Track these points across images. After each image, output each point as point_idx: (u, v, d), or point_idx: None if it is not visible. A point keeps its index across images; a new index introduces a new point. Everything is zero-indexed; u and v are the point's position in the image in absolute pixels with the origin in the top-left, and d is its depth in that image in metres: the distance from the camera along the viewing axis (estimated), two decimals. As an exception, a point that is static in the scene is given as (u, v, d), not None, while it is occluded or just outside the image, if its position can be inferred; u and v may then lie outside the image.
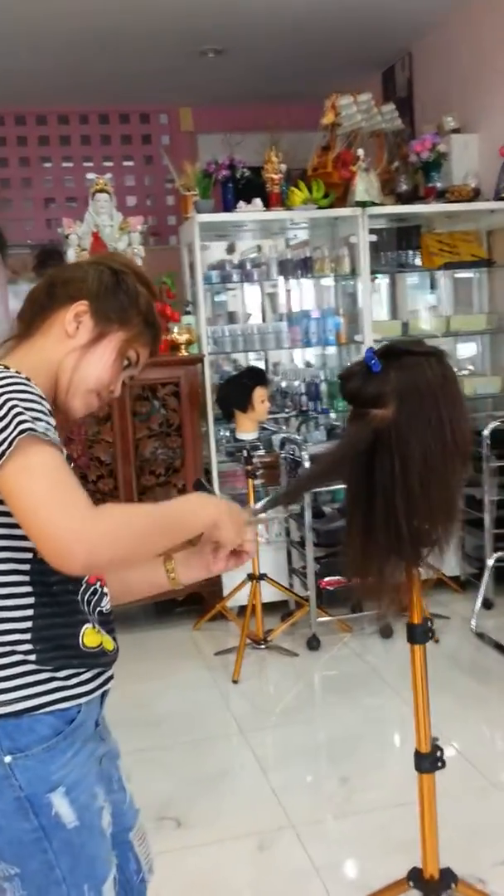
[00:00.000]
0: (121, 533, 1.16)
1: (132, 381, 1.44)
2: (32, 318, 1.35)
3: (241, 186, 4.30)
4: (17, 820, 1.21)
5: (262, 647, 3.93)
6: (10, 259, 6.00)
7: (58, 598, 1.25)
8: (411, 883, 1.67)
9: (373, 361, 1.48)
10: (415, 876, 1.68)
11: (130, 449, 4.10)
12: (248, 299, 5.27)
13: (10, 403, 1.14)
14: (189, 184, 4.16)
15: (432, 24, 4.89)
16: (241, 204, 4.07)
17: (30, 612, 1.22)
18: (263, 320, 5.02)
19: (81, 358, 1.32)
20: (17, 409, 1.13)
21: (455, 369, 1.60)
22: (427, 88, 5.28)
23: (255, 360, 4.82)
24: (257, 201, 4.04)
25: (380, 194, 4.22)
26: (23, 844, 1.22)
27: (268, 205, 4.09)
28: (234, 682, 3.58)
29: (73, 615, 1.27)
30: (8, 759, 1.20)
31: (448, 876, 1.67)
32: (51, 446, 1.15)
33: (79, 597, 1.29)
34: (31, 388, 1.19)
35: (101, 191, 4.10)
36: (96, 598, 1.33)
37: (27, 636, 1.22)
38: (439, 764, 1.64)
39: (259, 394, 3.65)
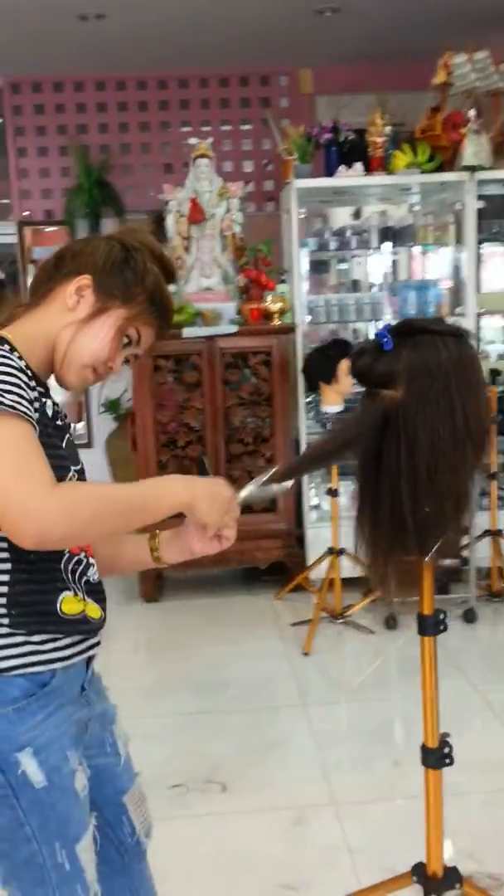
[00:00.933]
0: (74, 513, 1.16)
1: (136, 359, 1.43)
2: (39, 288, 1.36)
3: (346, 150, 4.18)
4: None
5: (340, 621, 3.91)
6: (127, 224, 6.14)
7: (35, 565, 1.26)
8: (415, 878, 1.63)
9: (385, 339, 1.41)
10: (419, 871, 1.63)
11: (220, 417, 4.13)
12: (355, 267, 5.14)
13: None
14: (291, 148, 4.08)
15: None
16: (342, 168, 3.96)
17: (6, 577, 1.25)
18: (359, 289, 4.86)
19: (78, 331, 1.32)
20: None
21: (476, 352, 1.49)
22: None
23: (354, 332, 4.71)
24: (358, 166, 3.92)
25: (491, 158, 4.00)
26: None
27: (369, 169, 3.96)
28: (305, 654, 3.58)
29: (51, 583, 1.29)
30: None
31: (452, 875, 1.61)
32: (17, 420, 1.16)
33: (61, 565, 1.31)
34: (8, 359, 1.21)
35: (202, 156, 4.10)
36: (81, 567, 1.34)
37: (2, 601, 1.25)
38: (447, 760, 1.58)
39: (345, 366, 3.57)
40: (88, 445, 6.36)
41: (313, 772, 2.70)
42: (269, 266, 4.14)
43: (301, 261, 4.11)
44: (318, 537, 4.18)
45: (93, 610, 1.36)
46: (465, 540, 3.55)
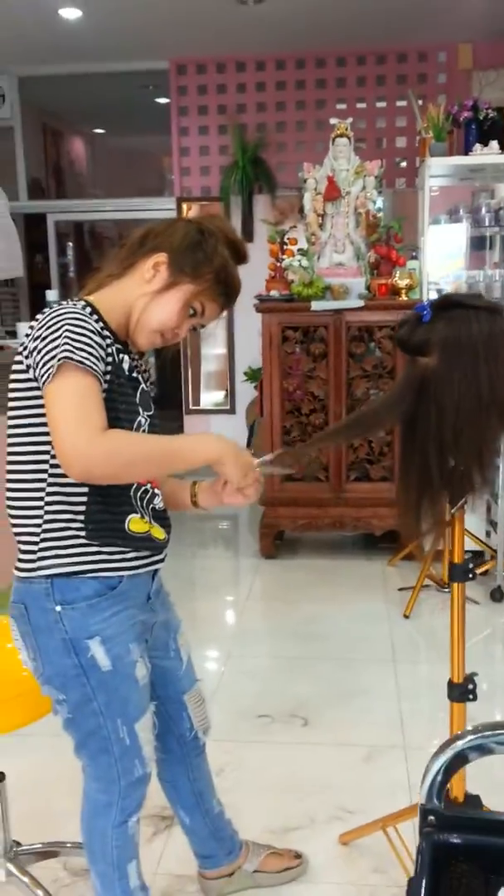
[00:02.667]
0: (115, 457, 1.39)
1: (203, 328, 1.64)
2: (124, 260, 1.61)
3: (487, 128, 4.21)
4: (62, 656, 1.53)
5: (447, 590, 4.02)
6: (278, 200, 6.38)
7: (108, 490, 1.50)
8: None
9: (424, 311, 1.57)
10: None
11: (343, 387, 4.31)
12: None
13: (63, 331, 1.41)
14: (428, 126, 4.16)
15: None
16: (478, 147, 4.00)
17: (84, 498, 1.50)
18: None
19: (151, 301, 1.54)
20: (66, 338, 1.40)
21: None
22: None
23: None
24: (494, 144, 3.94)
25: None
26: (67, 677, 1.55)
27: (505, 147, 3.98)
28: (405, 616, 3.75)
29: (121, 506, 1.54)
30: (58, 608, 1.51)
31: (473, 801, 1.76)
32: (83, 373, 1.40)
33: (131, 493, 1.57)
34: (84, 321, 1.44)
35: (342, 135, 4.25)
36: (148, 496, 1.60)
37: (81, 517, 1.50)
38: (470, 696, 1.74)
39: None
40: (231, 412, 6.73)
41: (391, 718, 2.88)
42: (400, 243, 4.25)
43: (431, 237, 4.18)
44: (433, 509, 4.29)
45: (157, 532, 1.63)
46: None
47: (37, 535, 1.51)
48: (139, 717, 1.63)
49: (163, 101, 6.63)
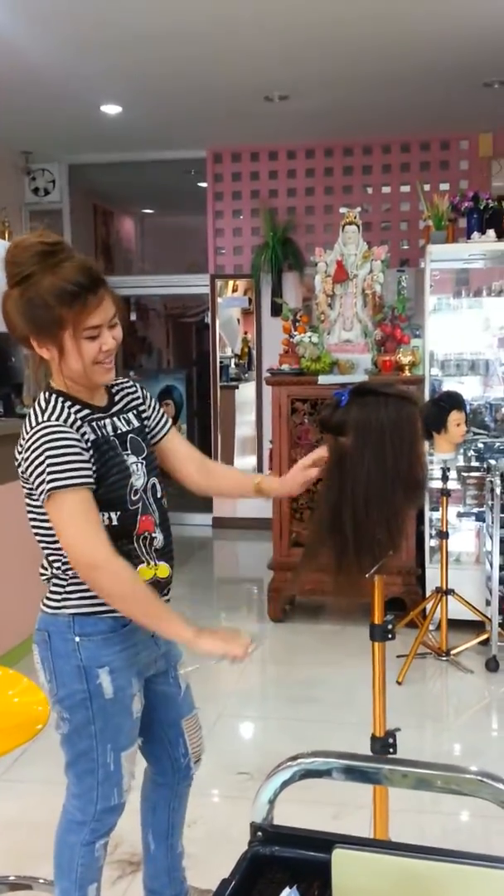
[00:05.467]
0: (114, 581, 1.68)
1: (116, 319, 1.72)
2: (38, 360, 1.78)
3: (489, 217, 4.44)
4: (74, 681, 1.76)
5: (444, 659, 4.11)
6: (306, 278, 6.69)
7: (118, 549, 1.70)
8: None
9: (342, 397, 1.78)
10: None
11: (349, 457, 4.48)
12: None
13: (45, 457, 1.64)
14: (430, 214, 4.42)
15: None
16: (475, 234, 4.23)
17: None
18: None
19: (63, 364, 1.69)
20: (48, 464, 1.64)
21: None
22: None
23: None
24: (490, 233, 4.17)
25: None
26: (75, 700, 1.77)
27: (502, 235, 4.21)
28: (398, 682, 3.84)
29: (130, 560, 1.74)
30: (77, 639, 1.76)
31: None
32: (73, 492, 1.64)
33: (135, 544, 1.79)
34: (60, 433, 1.66)
35: (351, 223, 4.54)
36: (148, 540, 1.82)
37: None
38: (391, 750, 1.87)
39: (455, 417, 3.83)
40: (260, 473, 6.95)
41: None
42: (404, 322, 4.47)
43: (432, 318, 4.40)
44: (435, 577, 4.40)
45: (162, 570, 1.86)
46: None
47: (65, 580, 1.77)
48: (127, 747, 1.84)
49: (204, 185, 7.07)
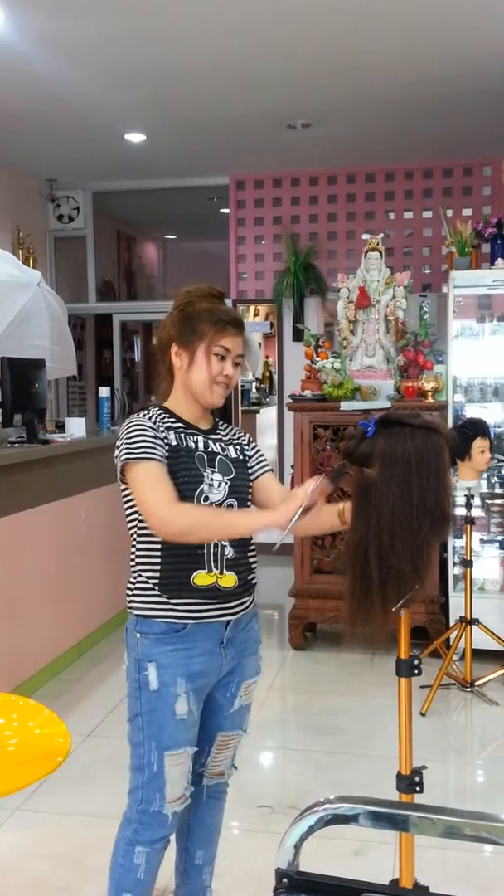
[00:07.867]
0: (188, 522, 1.82)
1: (242, 358, 2.00)
2: (165, 372, 2.03)
3: (512, 242, 4.43)
4: (133, 671, 1.92)
5: (469, 690, 4.04)
6: (328, 303, 6.70)
7: (178, 550, 1.86)
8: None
9: (368, 427, 1.76)
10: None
11: (371, 483, 4.45)
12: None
13: (123, 441, 1.88)
14: (453, 241, 4.41)
15: None
16: (500, 261, 4.22)
17: (158, 558, 1.89)
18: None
19: (188, 373, 1.95)
20: (125, 444, 1.87)
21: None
22: None
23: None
24: (511, 258, 4.15)
25: None
26: (132, 689, 1.92)
27: (524, 261, 4.19)
28: (422, 714, 3.78)
29: (191, 563, 1.87)
30: (138, 635, 1.91)
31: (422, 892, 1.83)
32: (144, 462, 1.83)
33: (203, 550, 1.87)
34: (139, 425, 1.89)
35: (373, 249, 4.53)
36: (219, 549, 1.90)
37: (157, 574, 1.89)
38: (417, 788, 1.83)
39: (479, 444, 3.80)
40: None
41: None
42: (427, 348, 4.45)
43: (455, 344, 4.37)
44: (459, 605, 4.34)
45: (227, 580, 1.91)
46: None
47: (132, 584, 1.95)
48: (171, 747, 1.89)
49: (226, 210, 7.13)
